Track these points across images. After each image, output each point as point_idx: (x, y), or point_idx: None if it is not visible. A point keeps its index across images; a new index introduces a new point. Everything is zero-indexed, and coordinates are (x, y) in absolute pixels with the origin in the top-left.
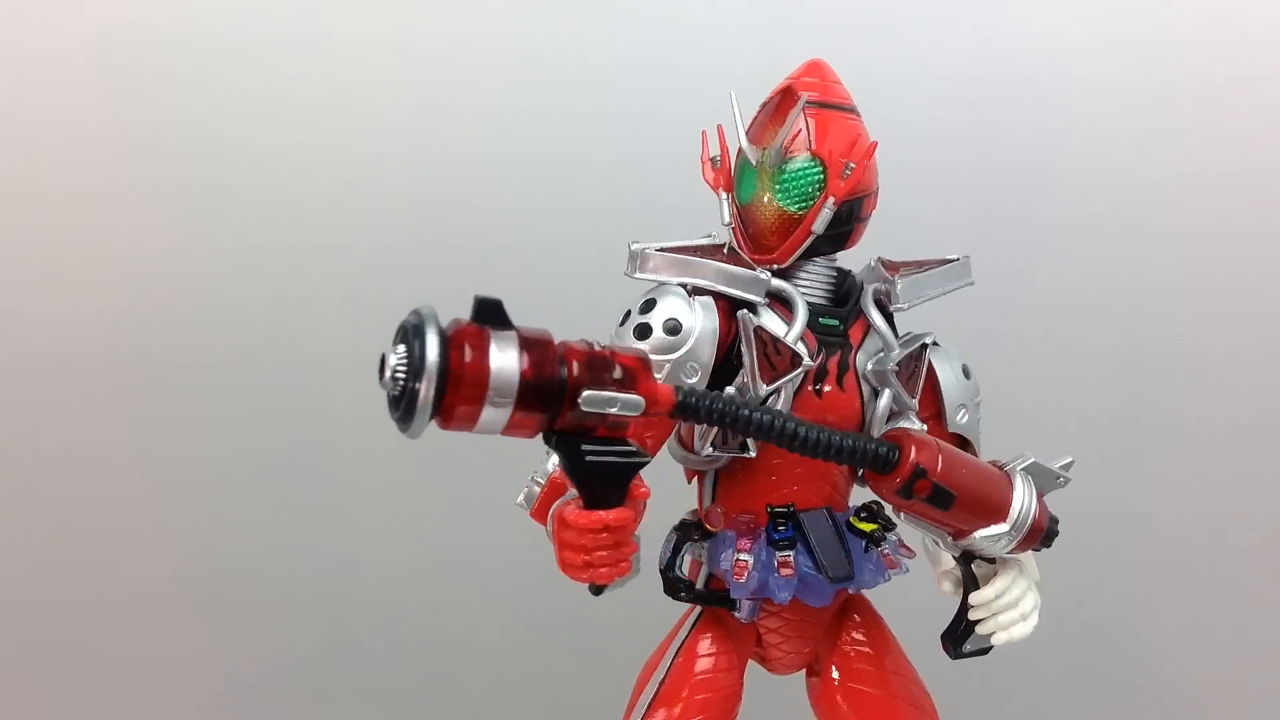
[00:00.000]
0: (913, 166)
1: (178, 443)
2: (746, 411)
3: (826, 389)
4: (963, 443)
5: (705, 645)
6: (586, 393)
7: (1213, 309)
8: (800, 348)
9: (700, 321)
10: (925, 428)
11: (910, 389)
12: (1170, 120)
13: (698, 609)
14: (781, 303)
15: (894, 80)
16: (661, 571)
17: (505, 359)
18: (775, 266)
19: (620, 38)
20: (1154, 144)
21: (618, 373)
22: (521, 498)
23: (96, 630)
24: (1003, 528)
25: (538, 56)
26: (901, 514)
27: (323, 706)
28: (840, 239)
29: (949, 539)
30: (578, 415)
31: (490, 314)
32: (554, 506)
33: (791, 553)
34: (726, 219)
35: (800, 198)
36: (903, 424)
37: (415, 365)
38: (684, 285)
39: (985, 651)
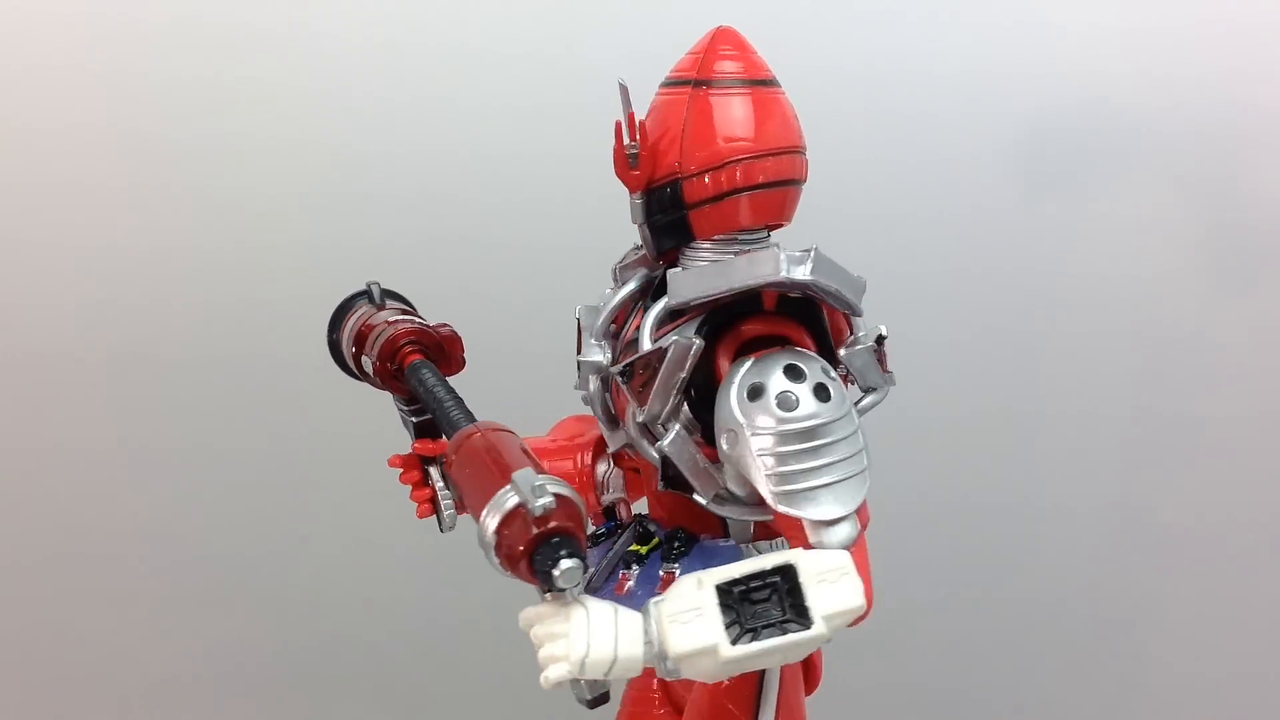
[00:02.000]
0: (910, 159)
1: (176, 439)
2: (423, 390)
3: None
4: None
5: None
6: (364, 358)
7: (1216, 303)
8: (597, 349)
9: None
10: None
11: (640, 396)
12: (1177, 115)
13: None
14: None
15: (898, 75)
16: None
17: (347, 331)
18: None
19: (618, 33)
20: (1159, 139)
21: (370, 343)
22: None
23: (93, 626)
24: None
25: (539, 51)
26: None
27: (321, 703)
28: (675, 229)
29: None
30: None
31: (379, 299)
32: None
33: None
34: None
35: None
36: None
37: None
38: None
39: (594, 700)
